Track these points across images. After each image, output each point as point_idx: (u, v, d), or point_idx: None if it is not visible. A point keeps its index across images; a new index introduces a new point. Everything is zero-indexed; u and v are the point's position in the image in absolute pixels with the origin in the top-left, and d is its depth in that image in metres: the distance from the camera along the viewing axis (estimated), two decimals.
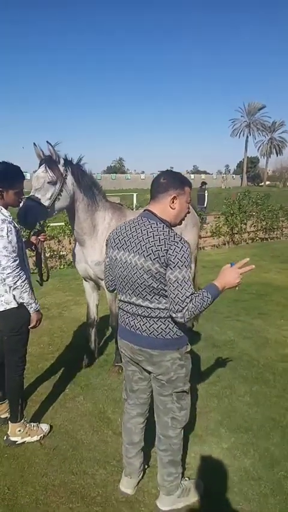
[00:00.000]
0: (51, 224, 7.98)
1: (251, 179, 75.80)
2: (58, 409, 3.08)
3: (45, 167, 2.88)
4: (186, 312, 1.73)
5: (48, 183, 2.88)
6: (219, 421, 2.90)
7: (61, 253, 8.00)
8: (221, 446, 2.65)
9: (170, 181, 1.89)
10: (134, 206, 11.10)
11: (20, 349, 2.61)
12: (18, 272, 2.38)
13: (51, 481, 2.35)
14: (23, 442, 2.65)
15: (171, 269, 1.74)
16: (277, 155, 73.96)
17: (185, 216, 2.01)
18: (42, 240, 2.96)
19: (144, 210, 1.95)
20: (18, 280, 2.38)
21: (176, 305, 1.74)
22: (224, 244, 10.69)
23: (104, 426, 2.87)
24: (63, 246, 8.04)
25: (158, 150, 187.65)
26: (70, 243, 8.08)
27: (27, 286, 2.46)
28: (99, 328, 4.01)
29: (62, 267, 7.97)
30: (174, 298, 1.74)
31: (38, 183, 2.88)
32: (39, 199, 2.86)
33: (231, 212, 10.53)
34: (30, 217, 2.81)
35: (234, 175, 78.17)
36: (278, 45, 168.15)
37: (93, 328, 3.80)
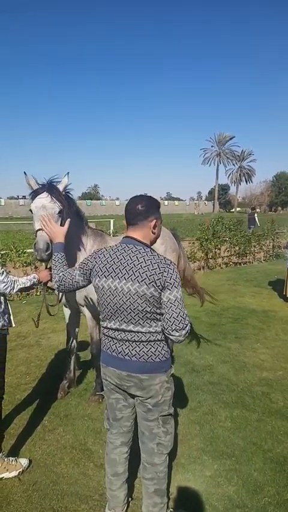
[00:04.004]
0: (28, 250, 7.89)
1: (222, 205, 78.34)
2: (37, 442, 2.98)
3: (51, 197, 2.78)
4: (188, 329, 1.84)
5: (58, 213, 2.78)
6: (202, 448, 2.89)
7: None
8: (204, 474, 2.63)
9: (148, 207, 1.95)
10: (111, 232, 11.18)
11: None
12: (9, 280, 2.48)
13: None
14: (1, 478, 2.53)
15: (170, 290, 1.81)
16: (246, 183, 77.18)
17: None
18: None
19: (125, 237, 1.98)
20: (13, 284, 2.50)
21: (179, 323, 1.81)
22: (199, 269, 10.87)
23: (85, 459, 2.79)
24: (39, 273, 7.91)
25: (132, 177, 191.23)
26: None
27: (20, 281, 2.58)
28: (78, 356, 3.95)
29: (38, 293, 7.84)
30: (176, 317, 1.81)
31: (47, 213, 2.70)
32: None
33: (206, 238, 10.80)
34: (52, 249, 2.66)
35: (206, 202, 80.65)
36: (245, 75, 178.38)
37: (73, 355, 3.74)
